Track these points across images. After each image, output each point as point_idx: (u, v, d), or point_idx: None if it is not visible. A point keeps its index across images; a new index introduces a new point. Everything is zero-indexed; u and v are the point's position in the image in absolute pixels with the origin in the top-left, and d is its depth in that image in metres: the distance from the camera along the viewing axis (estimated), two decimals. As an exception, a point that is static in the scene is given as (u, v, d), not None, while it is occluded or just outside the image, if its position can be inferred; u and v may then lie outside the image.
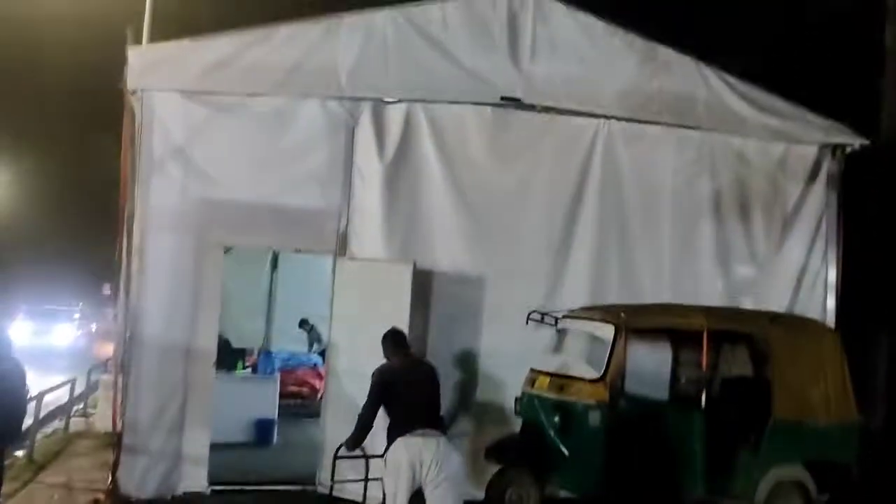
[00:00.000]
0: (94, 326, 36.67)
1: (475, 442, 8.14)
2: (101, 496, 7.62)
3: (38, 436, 10.11)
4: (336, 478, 6.58)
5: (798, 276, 9.55)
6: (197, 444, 7.93)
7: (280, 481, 8.51)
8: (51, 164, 36.49)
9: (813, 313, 9.24)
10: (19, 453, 9.31)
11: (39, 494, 7.73)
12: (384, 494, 5.87)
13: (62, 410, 12.06)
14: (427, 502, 5.64)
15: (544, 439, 7.41)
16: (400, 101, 8.53)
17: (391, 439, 5.71)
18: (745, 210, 9.45)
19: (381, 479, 5.99)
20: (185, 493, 7.83)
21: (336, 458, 6.36)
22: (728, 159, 9.41)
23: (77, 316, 33.67)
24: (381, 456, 5.93)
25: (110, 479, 7.71)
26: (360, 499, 6.58)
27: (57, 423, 11.74)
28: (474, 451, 8.03)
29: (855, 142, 9.57)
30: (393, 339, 6.17)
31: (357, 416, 5.92)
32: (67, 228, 37.47)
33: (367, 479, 6.46)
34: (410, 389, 5.84)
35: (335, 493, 6.99)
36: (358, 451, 6.16)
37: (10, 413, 5.49)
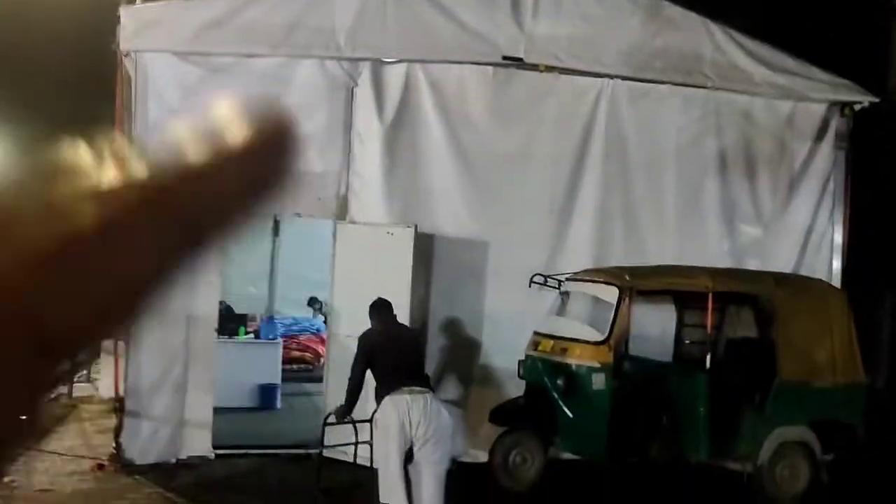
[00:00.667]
0: None
1: (478, 405, 8.11)
2: (105, 461, 7.62)
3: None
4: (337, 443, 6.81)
5: (804, 236, 9.46)
6: (200, 409, 7.92)
7: (284, 445, 8.52)
8: (49, 132, 36.30)
9: (819, 274, 9.14)
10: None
11: (42, 459, 7.74)
12: (372, 456, 6.06)
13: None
14: (416, 458, 5.68)
15: (548, 402, 7.38)
16: (400, 60, 8.38)
17: (379, 399, 5.80)
18: (751, 169, 9.33)
19: (370, 442, 6.20)
20: (188, 458, 7.83)
21: (325, 424, 6.70)
22: (734, 118, 9.26)
23: None
24: (369, 420, 6.10)
25: (114, 444, 7.72)
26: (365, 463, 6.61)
27: (61, 389, 11.77)
28: (477, 414, 8.02)
29: (864, 99, 9.41)
30: (379, 309, 6.27)
31: (348, 386, 6.08)
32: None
33: (356, 443, 6.64)
34: (395, 350, 5.98)
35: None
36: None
37: None
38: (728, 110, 9.24)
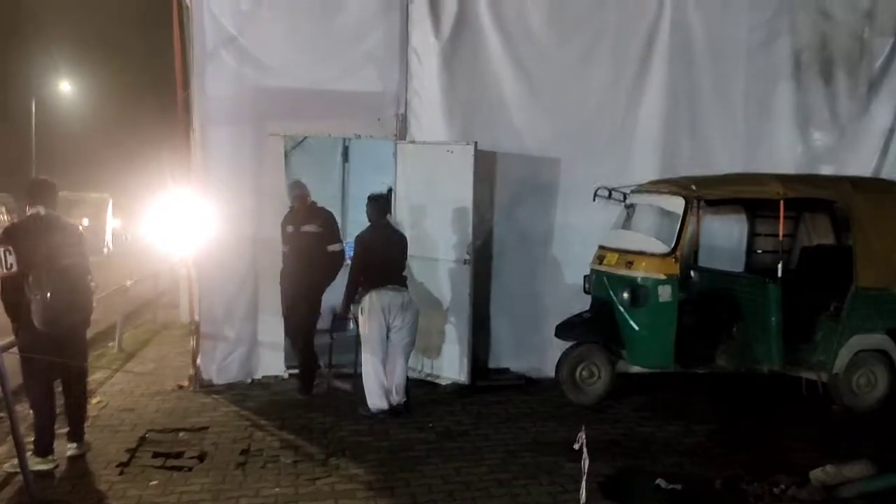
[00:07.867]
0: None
1: (544, 321, 8.10)
2: (185, 382, 7.94)
3: (127, 327, 10.57)
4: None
5: (884, 139, 9.04)
6: (272, 331, 8.11)
7: (355, 364, 8.70)
8: (111, 68, 37.03)
9: (899, 178, 8.74)
10: (111, 343, 9.78)
11: (127, 381, 8.11)
12: (359, 335, 7.15)
13: (149, 304, 12.57)
14: (392, 340, 7.01)
15: (614, 315, 7.32)
16: (455, -28, 8.15)
17: (365, 292, 6.99)
18: (826, 70, 8.88)
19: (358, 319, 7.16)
20: (263, 377, 8.10)
21: (335, 316, 8.01)
22: (809, 15, 8.79)
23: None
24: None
25: (192, 366, 8.01)
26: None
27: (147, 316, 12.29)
28: (543, 329, 8.02)
29: (952, -12, 8.79)
30: (377, 203, 7.28)
31: (347, 281, 7.14)
32: (133, 128, 38.15)
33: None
34: (383, 253, 7.04)
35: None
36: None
37: (85, 303, 5.75)
38: (803, 7, 8.77)
